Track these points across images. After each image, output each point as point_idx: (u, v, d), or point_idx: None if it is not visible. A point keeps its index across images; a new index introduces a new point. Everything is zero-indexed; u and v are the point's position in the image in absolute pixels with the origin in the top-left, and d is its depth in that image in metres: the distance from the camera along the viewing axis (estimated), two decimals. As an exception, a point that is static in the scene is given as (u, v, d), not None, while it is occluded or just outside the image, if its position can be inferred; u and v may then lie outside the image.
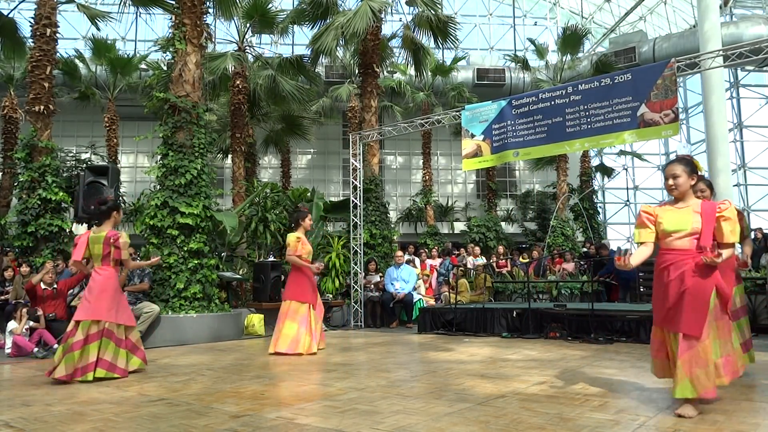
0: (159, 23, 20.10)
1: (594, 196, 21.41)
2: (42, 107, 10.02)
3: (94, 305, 4.74)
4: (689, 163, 3.40)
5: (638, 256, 3.42)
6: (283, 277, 9.46)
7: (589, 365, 5.02)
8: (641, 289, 9.76)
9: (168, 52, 9.29)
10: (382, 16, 13.36)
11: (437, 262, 12.05)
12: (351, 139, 10.79)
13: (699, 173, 3.43)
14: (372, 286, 10.28)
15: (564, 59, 18.81)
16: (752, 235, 11.30)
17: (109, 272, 4.89)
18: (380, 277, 10.48)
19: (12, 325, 6.55)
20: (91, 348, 4.64)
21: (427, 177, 21.30)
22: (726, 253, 3.22)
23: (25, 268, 8.45)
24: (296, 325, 6.21)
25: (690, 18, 22.95)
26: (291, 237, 6.45)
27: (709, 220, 3.26)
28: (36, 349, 6.29)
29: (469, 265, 11.81)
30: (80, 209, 7.78)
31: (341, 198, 18.21)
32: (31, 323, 6.63)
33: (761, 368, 4.55)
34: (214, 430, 2.98)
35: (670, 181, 3.37)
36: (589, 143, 8.23)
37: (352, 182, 10.61)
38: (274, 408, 3.48)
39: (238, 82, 14.30)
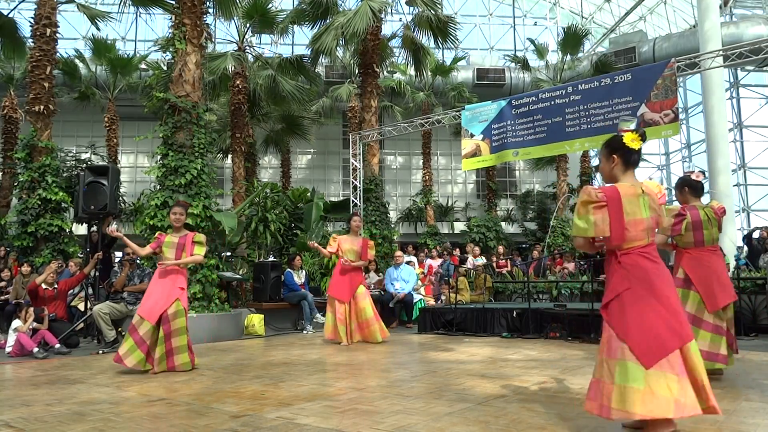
0: (159, 23, 20.14)
1: (594, 196, 21.37)
2: (42, 107, 10.03)
3: None
4: (609, 144, 2.90)
5: None
6: (283, 278, 9.50)
7: (589, 365, 5.01)
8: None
9: (168, 52, 9.29)
10: (382, 16, 13.37)
11: (437, 262, 12.04)
12: (351, 139, 10.79)
13: (628, 148, 2.81)
14: (373, 285, 10.29)
15: (564, 59, 18.82)
16: (757, 234, 11.25)
17: None
18: (380, 275, 10.48)
19: (17, 323, 6.56)
20: None
21: (427, 177, 21.30)
22: None
23: (26, 268, 8.46)
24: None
25: (690, 18, 22.95)
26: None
27: None
28: (36, 349, 6.28)
29: (469, 265, 11.81)
30: (80, 209, 7.76)
31: (341, 198, 18.21)
32: (35, 324, 6.63)
33: (761, 368, 4.55)
34: (214, 430, 2.97)
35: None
36: (589, 143, 8.23)
37: (352, 182, 10.61)
38: (274, 408, 3.48)
39: (238, 82, 14.30)
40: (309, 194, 12.90)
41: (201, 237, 5.39)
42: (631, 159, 2.84)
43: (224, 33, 24.19)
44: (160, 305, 5.01)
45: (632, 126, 2.90)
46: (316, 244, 7.55)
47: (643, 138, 2.85)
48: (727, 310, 4.17)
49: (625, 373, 2.59)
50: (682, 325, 2.66)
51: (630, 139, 2.80)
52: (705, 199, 4.41)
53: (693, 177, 4.31)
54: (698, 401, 2.56)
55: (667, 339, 2.61)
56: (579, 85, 8.16)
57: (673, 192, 4.38)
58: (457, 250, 13.75)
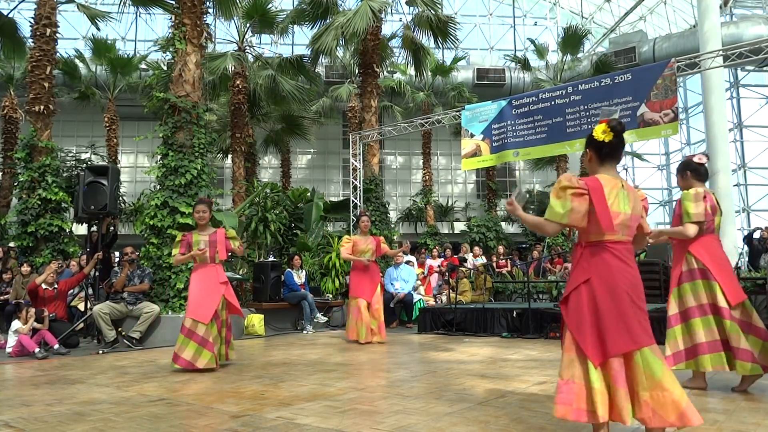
0: (159, 23, 20.11)
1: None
2: (42, 107, 10.02)
3: None
4: (586, 139, 2.76)
5: None
6: (283, 278, 9.51)
7: (589, 365, 5.01)
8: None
9: (168, 52, 9.28)
10: (382, 16, 13.36)
11: (437, 262, 12.04)
12: (351, 139, 10.79)
13: (597, 141, 2.62)
14: None
15: (564, 59, 18.83)
16: (757, 234, 11.27)
17: None
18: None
19: (17, 324, 6.55)
20: None
21: (427, 177, 21.31)
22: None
23: (26, 268, 8.46)
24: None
25: (690, 18, 22.95)
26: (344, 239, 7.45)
27: None
28: (37, 350, 6.28)
29: (468, 265, 11.81)
30: (80, 209, 7.76)
31: (341, 198, 18.21)
32: (35, 324, 6.63)
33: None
34: (214, 430, 2.97)
35: None
36: (589, 143, 8.22)
37: (352, 182, 10.61)
38: (274, 408, 3.48)
39: (238, 82, 14.30)
40: (309, 194, 12.89)
41: (232, 231, 5.73)
42: (603, 152, 2.64)
43: (224, 33, 24.16)
44: (210, 304, 5.15)
45: (613, 117, 2.78)
46: (352, 257, 7.26)
47: (616, 129, 2.62)
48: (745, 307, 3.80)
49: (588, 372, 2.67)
50: (630, 330, 2.52)
51: (599, 131, 2.60)
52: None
53: (695, 160, 3.96)
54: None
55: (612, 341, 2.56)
56: (579, 85, 8.16)
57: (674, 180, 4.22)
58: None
